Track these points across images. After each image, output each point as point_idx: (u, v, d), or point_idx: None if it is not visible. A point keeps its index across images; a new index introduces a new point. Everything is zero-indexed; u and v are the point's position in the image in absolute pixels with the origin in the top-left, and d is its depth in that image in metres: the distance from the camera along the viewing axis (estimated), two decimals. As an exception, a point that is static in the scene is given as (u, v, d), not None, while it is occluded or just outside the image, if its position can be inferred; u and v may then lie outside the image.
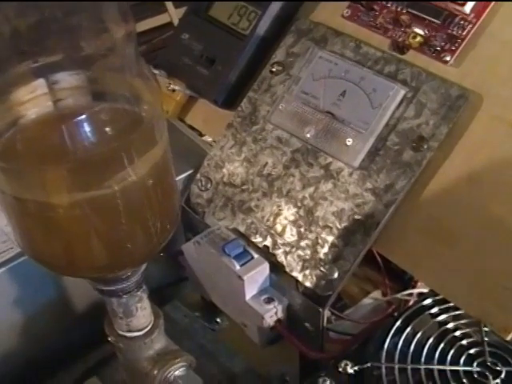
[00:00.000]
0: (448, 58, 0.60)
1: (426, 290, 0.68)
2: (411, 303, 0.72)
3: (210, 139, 0.79)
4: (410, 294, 0.74)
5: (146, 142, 0.45)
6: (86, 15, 0.41)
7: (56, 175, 0.43)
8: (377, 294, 0.77)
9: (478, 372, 0.59)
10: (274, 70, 0.68)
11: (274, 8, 0.70)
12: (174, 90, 0.76)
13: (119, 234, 0.48)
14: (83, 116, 0.41)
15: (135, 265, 0.52)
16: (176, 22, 1.20)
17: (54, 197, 0.44)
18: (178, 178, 0.72)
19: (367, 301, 0.77)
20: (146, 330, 0.57)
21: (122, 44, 0.43)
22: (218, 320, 0.78)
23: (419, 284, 0.73)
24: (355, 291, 0.79)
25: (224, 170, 0.69)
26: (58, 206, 0.44)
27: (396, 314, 0.66)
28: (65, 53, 0.42)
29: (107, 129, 0.43)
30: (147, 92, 0.46)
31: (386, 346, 0.61)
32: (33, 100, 0.45)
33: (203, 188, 0.70)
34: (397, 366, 0.60)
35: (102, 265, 0.49)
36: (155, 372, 0.58)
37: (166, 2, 1.19)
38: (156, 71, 0.76)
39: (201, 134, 0.80)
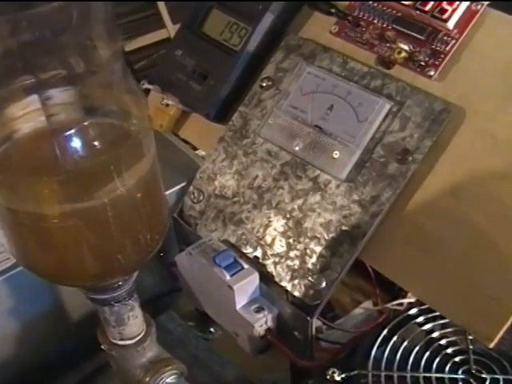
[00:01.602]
0: (432, 73, 0.62)
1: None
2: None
3: (203, 153, 0.80)
4: (401, 304, 0.75)
5: (134, 155, 0.47)
6: (75, 33, 0.42)
7: (48, 187, 0.44)
8: (368, 304, 0.78)
9: (462, 379, 0.60)
10: (264, 84, 0.70)
11: (264, 25, 0.71)
12: (167, 105, 0.77)
13: (109, 244, 0.49)
14: (73, 130, 0.43)
15: (126, 273, 0.54)
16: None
17: (46, 208, 0.45)
18: (171, 191, 0.74)
19: (358, 311, 0.78)
20: (138, 338, 0.58)
21: (110, 61, 0.44)
22: (212, 330, 0.79)
23: (409, 294, 0.74)
24: (347, 301, 0.80)
25: (216, 183, 0.70)
26: (50, 217, 0.45)
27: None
28: (56, 70, 0.43)
29: (96, 143, 0.44)
30: (135, 107, 0.47)
31: (372, 354, 0.63)
32: (26, 115, 0.46)
33: (196, 200, 0.71)
34: (383, 374, 0.61)
35: (92, 273, 0.51)
36: (147, 379, 0.59)
37: (164, 18, 1.21)
38: (150, 86, 0.78)
39: (194, 148, 0.82)
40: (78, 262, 0.49)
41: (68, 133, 0.43)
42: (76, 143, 0.43)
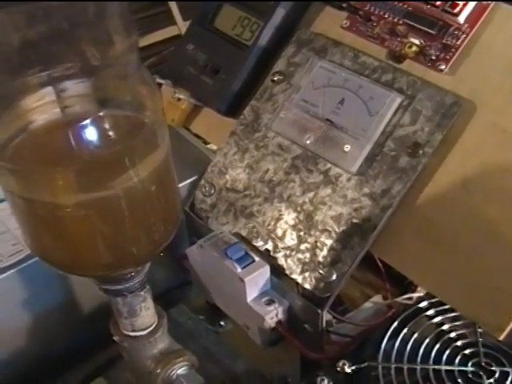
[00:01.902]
0: (443, 67, 0.62)
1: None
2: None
3: (214, 147, 0.81)
4: (410, 298, 0.75)
5: (148, 146, 0.47)
6: (92, 26, 0.43)
7: (63, 177, 0.45)
8: (377, 298, 0.78)
9: (472, 372, 0.60)
10: (275, 79, 0.70)
11: (276, 19, 0.72)
12: (179, 99, 0.78)
13: (123, 234, 0.50)
14: (88, 121, 0.43)
15: (138, 264, 0.54)
16: (185, 34, 1.22)
17: (61, 197, 0.45)
18: (182, 184, 0.74)
19: (368, 305, 0.78)
20: (150, 329, 0.59)
21: (124, 53, 0.45)
22: (222, 323, 0.79)
23: (419, 288, 0.74)
24: (356, 295, 0.80)
25: (227, 176, 0.71)
26: (65, 206, 0.46)
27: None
28: (72, 62, 0.44)
29: (110, 133, 0.45)
30: (149, 98, 0.48)
31: (383, 346, 0.63)
32: (41, 107, 0.46)
33: (207, 194, 0.72)
34: (393, 366, 0.61)
35: (106, 263, 0.51)
36: (158, 370, 0.60)
37: (175, 15, 1.21)
38: (162, 81, 0.78)
39: (205, 142, 0.82)
40: (91, 252, 0.50)
41: (83, 123, 0.44)
42: (91, 134, 0.44)
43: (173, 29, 1.29)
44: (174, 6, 1.28)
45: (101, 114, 0.45)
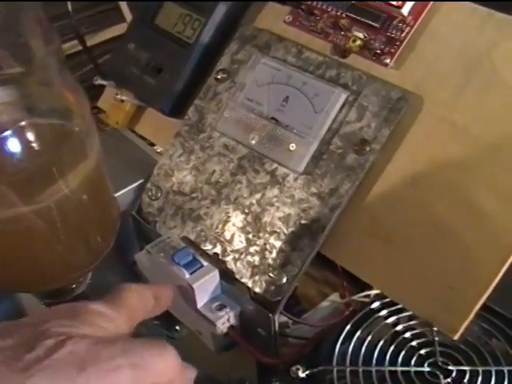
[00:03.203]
0: (388, 61, 0.61)
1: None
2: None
3: (161, 149, 0.79)
4: (368, 296, 0.74)
5: (77, 154, 0.45)
6: (4, 31, 0.40)
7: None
8: (335, 296, 0.77)
9: (429, 372, 0.59)
10: (219, 77, 0.68)
11: (218, 15, 0.70)
12: (122, 101, 0.75)
13: (58, 247, 0.48)
14: (9, 132, 0.41)
15: (77, 276, 0.52)
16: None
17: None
18: (128, 188, 0.72)
19: (325, 303, 0.76)
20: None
21: (44, 59, 0.43)
22: (178, 328, 0.78)
23: (376, 285, 0.73)
24: (313, 294, 0.79)
25: (173, 179, 0.69)
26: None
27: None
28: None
29: (34, 144, 0.43)
30: (75, 104, 0.46)
31: (337, 349, 0.62)
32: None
33: (153, 197, 0.70)
34: (348, 369, 0.60)
35: (42, 279, 0.49)
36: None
37: (124, 12, 1.18)
38: (104, 82, 0.76)
39: (151, 144, 0.80)
40: (26, 268, 0.48)
41: (4, 135, 0.41)
42: (13, 145, 0.42)
43: (123, 26, 1.26)
44: (123, 3, 1.26)
45: (23, 123, 0.43)
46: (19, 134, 0.42)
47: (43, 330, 0.39)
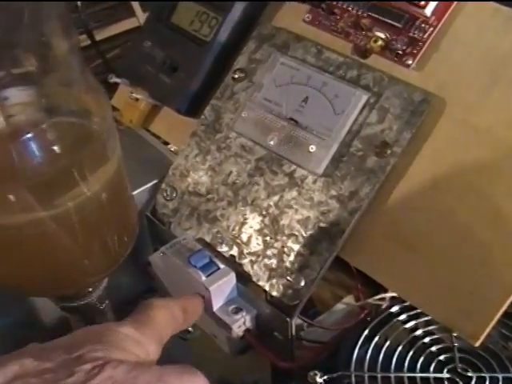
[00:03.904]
0: (410, 62, 0.60)
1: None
2: (384, 307, 0.71)
3: (174, 148, 0.78)
4: (383, 299, 0.73)
5: (98, 157, 0.44)
6: (28, 31, 0.39)
7: (5, 195, 0.42)
8: (349, 299, 0.76)
9: (448, 379, 0.58)
10: (236, 76, 0.67)
11: (235, 14, 0.69)
12: (137, 99, 0.75)
13: (76, 251, 0.47)
14: (30, 135, 0.40)
15: (95, 280, 0.52)
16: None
17: (5, 218, 0.42)
18: (143, 188, 0.71)
19: (340, 306, 0.75)
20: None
21: (65, 58, 0.42)
22: (190, 329, 0.77)
23: (391, 288, 0.73)
24: (328, 296, 0.78)
25: (189, 179, 0.68)
26: (10, 227, 0.43)
27: (369, 319, 0.66)
28: (9, 69, 0.41)
29: (56, 146, 0.42)
30: (96, 106, 0.45)
31: (355, 354, 0.61)
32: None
33: (168, 198, 0.69)
34: (367, 375, 0.59)
35: (60, 283, 0.49)
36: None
37: (134, 6, 1.17)
38: (118, 80, 0.75)
39: (166, 143, 0.79)
40: (44, 272, 0.47)
41: (25, 137, 0.40)
42: (35, 148, 0.41)
43: (132, 20, 1.25)
44: (133, -2, 1.25)
45: (44, 125, 0.42)
46: (40, 136, 0.41)
47: (79, 355, 0.38)
